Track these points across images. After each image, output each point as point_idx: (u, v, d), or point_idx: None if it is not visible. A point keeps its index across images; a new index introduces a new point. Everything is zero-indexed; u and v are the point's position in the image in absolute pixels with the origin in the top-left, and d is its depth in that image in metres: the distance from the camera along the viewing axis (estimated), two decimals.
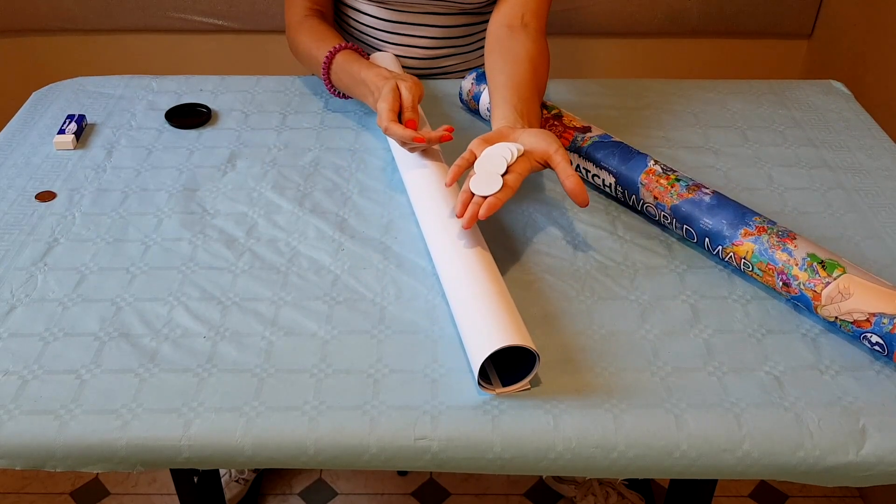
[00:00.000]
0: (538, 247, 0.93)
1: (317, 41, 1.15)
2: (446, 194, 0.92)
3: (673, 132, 1.13)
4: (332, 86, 1.14)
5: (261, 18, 1.83)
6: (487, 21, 1.26)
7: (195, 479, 1.33)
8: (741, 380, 0.77)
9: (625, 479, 1.59)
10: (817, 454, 0.72)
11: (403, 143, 0.98)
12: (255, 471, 1.59)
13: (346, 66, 1.10)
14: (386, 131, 0.97)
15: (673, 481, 1.38)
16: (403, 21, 1.22)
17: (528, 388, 0.76)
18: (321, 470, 1.61)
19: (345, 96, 1.16)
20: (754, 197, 1.01)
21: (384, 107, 0.98)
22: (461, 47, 1.27)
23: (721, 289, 0.88)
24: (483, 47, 1.33)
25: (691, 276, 0.89)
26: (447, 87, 1.23)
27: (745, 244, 0.85)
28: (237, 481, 1.55)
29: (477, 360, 0.74)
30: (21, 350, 0.80)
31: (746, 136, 1.12)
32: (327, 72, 1.12)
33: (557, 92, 1.22)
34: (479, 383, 0.75)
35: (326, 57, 1.11)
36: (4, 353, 0.79)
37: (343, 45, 1.12)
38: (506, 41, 1.08)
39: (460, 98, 1.17)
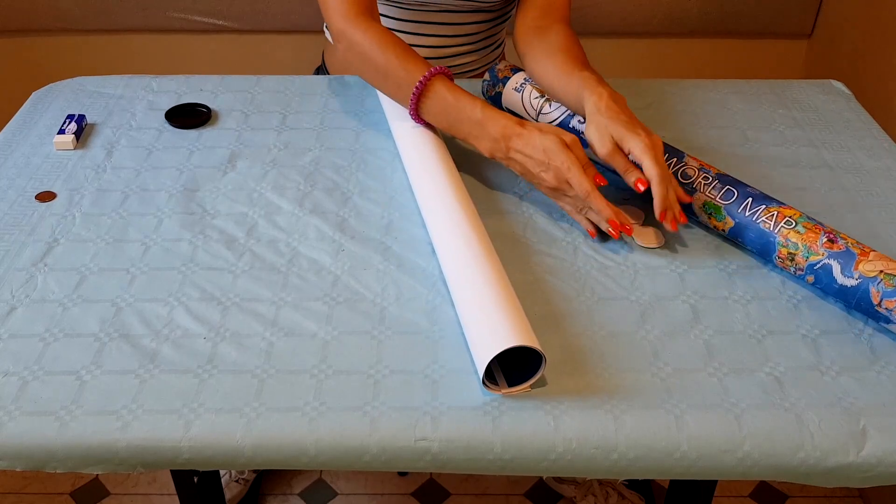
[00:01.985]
0: (539, 247, 0.93)
1: (399, 56, 0.99)
2: (454, 193, 0.92)
3: (673, 132, 1.13)
4: (418, 114, 1.00)
5: (261, 18, 1.82)
6: (502, 20, 1.27)
7: (195, 480, 1.33)
8: (741, 380, 0.77)
9: (625, 480, 1.59)
10: (818, 455, 0.71)
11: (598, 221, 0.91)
12: (255, 471, 1.59)
13: (447, 93, 0.97)
14: (588, 198, 0.89)
15: (673, 481, 1.38)
16: (418, 20, 1.21)
17: (529, 390, 0.76)
18: (321, 470, 1.61)
19: (427, 124, 1.02)
20: None
21: (579, 176, 0.89)
22: (475, 44, 1.27)
23: (721, 289, 0.88)
24: (496, 46, 1.33)
25: (691, 276, 0.89)
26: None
27: (795, 209, 0.88)
28: (237, 481, 1.55)
29: (483, 359, 0.74)
30: (21, 351, 0.80)
31: (746, 136, 1.12)
32: (418, 97, 0.98)
33: None
34: (483, 382, 0.75)
35: (421, 81, 0.97)
36: (4, 354, 0.79)
37: (438, 68, 0.98)
38: (544, 35, 1.09)
39: (492, 79, 1.11)
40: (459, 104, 0.96)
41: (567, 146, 0.90)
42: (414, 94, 0.98)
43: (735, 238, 0.91)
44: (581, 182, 0.89)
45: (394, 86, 1.00)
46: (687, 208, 0.94)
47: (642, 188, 0.90)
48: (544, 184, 0.92)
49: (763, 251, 0.89)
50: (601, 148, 0.91)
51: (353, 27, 1.03)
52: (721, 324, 0.83)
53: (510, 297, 0.79)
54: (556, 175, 0.90)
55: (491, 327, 0.76)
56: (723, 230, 0.92)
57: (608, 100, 0.93)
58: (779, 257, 0.87)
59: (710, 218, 0.93)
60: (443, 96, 0.97)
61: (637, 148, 0.89)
